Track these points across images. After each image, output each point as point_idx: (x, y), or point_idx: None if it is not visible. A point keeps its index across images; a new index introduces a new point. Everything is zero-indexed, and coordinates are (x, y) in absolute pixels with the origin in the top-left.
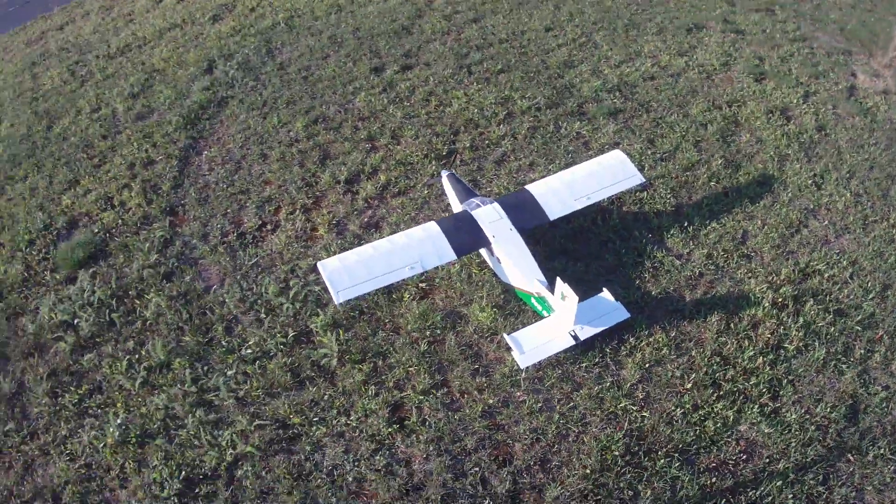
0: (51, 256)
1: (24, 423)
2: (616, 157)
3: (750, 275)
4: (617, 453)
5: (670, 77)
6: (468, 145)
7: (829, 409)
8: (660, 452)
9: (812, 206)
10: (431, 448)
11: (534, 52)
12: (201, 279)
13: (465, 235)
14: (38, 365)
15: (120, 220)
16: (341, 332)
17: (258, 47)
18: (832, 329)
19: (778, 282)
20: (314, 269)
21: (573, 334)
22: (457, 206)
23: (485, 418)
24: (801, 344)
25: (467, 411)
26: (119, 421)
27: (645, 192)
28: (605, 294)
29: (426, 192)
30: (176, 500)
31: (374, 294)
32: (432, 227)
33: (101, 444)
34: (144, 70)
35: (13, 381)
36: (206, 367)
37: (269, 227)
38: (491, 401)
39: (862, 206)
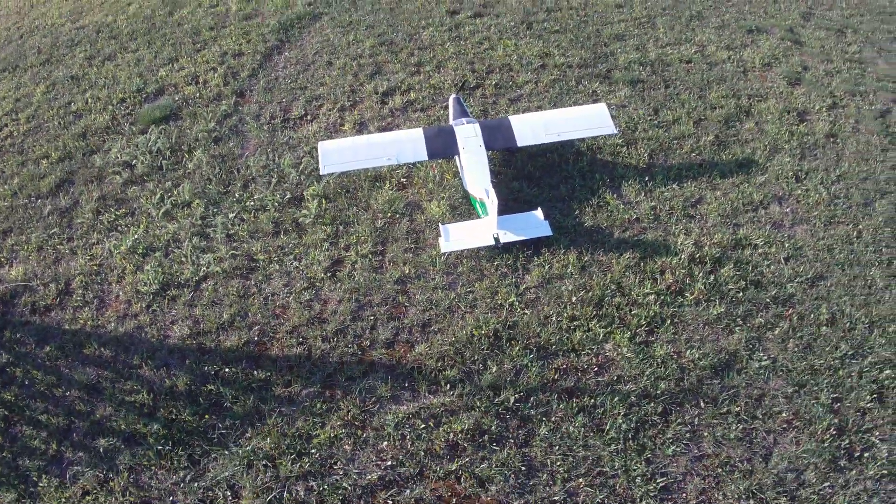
0: (134, 113)
1: (68, 231)
2: (597, 108)
3: (684, 231)
4: (484, 332)
5: (707, 65)
6: (495, 83)
7: (699, 357)
8: (521, 342)
9: (782, 195)
10: (347, 296)
11: (594, 22)
12: (241, 147)
13: (441, 143)
14: (94, 190)
15: (198, 94)
16: (324, 201)
17: None
18: (740, 294)
19: (707, 243)
20: None
21: (496, 237)
22: (451, 122)
23: (398, 284)
24: (701, 297)
25: (387, 275)
26: (136, 237)
27: (624, 148)
28: (538, 212)
29: (442, 112)
30: (150, 297)
31: (362, 178)
32: (417, 131)
33: (116, 251)
34: None
35: (70, 199)
36: (215, 210)
37: (308, 117)
38: (408, 272)
39: (835, 206)
